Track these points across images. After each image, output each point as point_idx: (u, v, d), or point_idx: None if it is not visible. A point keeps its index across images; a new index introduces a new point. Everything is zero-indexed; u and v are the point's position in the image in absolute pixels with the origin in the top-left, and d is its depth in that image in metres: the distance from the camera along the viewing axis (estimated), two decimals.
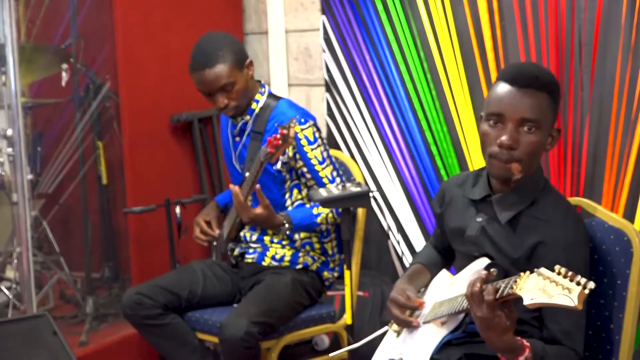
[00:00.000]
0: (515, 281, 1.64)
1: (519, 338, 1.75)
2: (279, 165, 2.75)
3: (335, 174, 2.78)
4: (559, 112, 1.98)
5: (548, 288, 1.55)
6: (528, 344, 1.76)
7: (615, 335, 1.96)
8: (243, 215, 2.64)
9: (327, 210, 2.73)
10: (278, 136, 2.41)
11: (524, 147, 1.89)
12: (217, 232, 2.96)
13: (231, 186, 2.67)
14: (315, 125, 2.76)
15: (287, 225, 2.69)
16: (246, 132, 2.83)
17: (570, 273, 1.55)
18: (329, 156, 2.80)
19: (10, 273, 3.47)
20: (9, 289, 3.36)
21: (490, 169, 1.97)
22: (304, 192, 2.82)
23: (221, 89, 2.70)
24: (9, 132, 2.86)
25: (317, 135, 2.75)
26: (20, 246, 2.91)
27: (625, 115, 2.87)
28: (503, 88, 1.91)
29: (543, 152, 1.97)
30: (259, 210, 2.61)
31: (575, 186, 3.01)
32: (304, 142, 2.72)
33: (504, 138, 1.89)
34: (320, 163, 2.75)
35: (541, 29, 3.03)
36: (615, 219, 1.98)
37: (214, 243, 2.99)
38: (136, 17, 3.41)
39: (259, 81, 2.86)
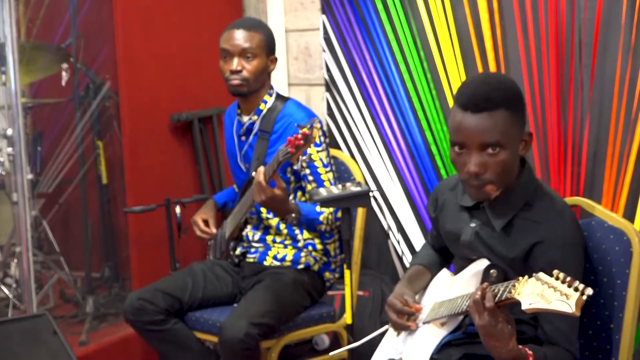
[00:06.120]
0: (514, 285, 1.63)
1: (521, 347, 1.75)
2: (297, 166, 2.73)
3: (334, 181, 2.77)
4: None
5: (546, 293, 1.55)
6: (531, 352, 1.76)
7: (615, 335, 1.96)
8: (261, 194, 2.50)
9: (329, 210, 2.72)
10: (299, 136, 2.33)
11: (493, 168, 1.87)
12: (214, 231, 2.95)
13: (258, 171, 2.54)
14: (321, 128, 2.75)
15: (294, 215, 2.63)
16: (253, 132, 2.83)
17: (568, 279, 1.54)
18: (330, 162, 2.79)
19: (13, 271, 3.47)
20: (9, 287, 3.36)
21: (467, 193, 1.97)
22: (307, 194, 2.81)
23: (243, 52, 2.74)
24: (9, 132, 2.87)
25: (322, 138, 2.75)
26: (20, 246, 2.91)
27: (625, 115, 2.87)
28: (458, 115, 1.88)
29: (524, 155, 1.96)
30: (277, 190, 2.51)
31: (575, 186, 3.01)
32: None
33: (470, 167, 1.87)
34: (325, 166, 2.75)
35: (541, 29, 3.03)
36: (615, 218, 1.98)
37: (210, 242, 3.00)
38: (136, 17, 3.41)
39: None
